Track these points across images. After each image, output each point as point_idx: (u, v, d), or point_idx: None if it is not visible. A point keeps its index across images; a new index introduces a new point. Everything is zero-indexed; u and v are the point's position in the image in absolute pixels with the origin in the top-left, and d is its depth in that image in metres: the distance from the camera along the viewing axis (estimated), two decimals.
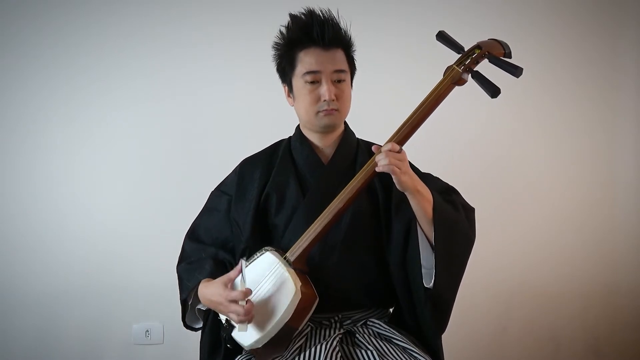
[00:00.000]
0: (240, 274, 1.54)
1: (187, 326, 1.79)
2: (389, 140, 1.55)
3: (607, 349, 3.02)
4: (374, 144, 1.78)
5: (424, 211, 1.55)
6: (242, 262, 1.56)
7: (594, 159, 3.01)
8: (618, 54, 3.02)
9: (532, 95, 2.94)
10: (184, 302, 1.72)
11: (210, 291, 1.58)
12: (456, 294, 1.66)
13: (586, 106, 3.00)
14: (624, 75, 3.02)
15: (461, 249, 1.64)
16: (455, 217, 1.62)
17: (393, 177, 1.52)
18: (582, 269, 2.99)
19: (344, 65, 1.68)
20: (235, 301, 1.50)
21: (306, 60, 1.65)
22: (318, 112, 1.66)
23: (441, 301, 1.62)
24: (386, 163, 1.49)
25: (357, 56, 1.75)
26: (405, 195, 1.58)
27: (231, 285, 1.55)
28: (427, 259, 1.58)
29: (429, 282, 1.58)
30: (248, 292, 1.51)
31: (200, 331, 1.80)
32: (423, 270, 1.59)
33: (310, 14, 1.66)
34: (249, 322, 1.52)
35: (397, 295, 1.69)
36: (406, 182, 1.52)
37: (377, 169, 1.52)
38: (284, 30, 1.70)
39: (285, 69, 1.70)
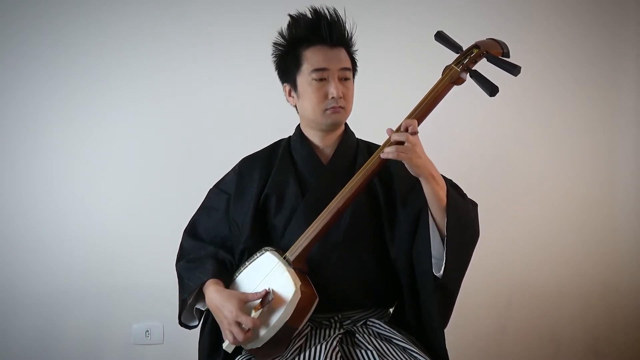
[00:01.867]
0: (260, 301, 1.53)
1: (183, 324, 1.78)
2: (386, 143, 1.55)
3: (607, 349, 3.01)
4: (373, 144, 1.79)
5: (437, 198, 1.54)
6: (269, 293, 1.54)
7: (593, 159, 3.01)
8: (618, 54, 3.02)
9: (532, 95, 2.94)
10: (183, 302, 1.72)
11: (221, 301, 1.56)
12: (460, 287, 1.65)
13: (586, 106, 3.00)
14: (624, 75, 3.02)
15: (469, 241, 1.64)
16: (465, 208, 1.62)
17: (405, 163, 1.50)
18: (582, 269, 2.99)
19: (349, 64, 1.70)
20: (239, 324, 1.50)
21: (313, 58, 1.66)
22: (325, 109, 1.66)
23: (448, 292, 1.61)
24: (392, 150, 1.48)
25: (359, 57, 1.76)
26: (413, 187, 1.59)
27: (245, 306, 1.54)
28: (436, 248, 1.58)
29: (438, 272, 1.57)
30: (256, 323, 1.50)
31: (198, 330, 1.79)
32: (433, 260, 1.58)
33: (316, 12, 1.67)
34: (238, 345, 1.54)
35: (402, 288, 1.68)
36: (420, 166, 1.50)
37: (381, 155, 1.51)
38: (284, 30, 1.71)
39: (290, 67, 1.70)
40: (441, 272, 1.56)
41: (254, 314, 1.51)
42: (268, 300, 1.53)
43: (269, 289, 1.54)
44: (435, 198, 1.54)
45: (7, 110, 2.72)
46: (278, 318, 1.50)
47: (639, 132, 3.04)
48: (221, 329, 1.57)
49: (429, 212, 1.58)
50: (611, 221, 3.03)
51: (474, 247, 1.66)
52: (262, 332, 1.52)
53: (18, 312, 2.73)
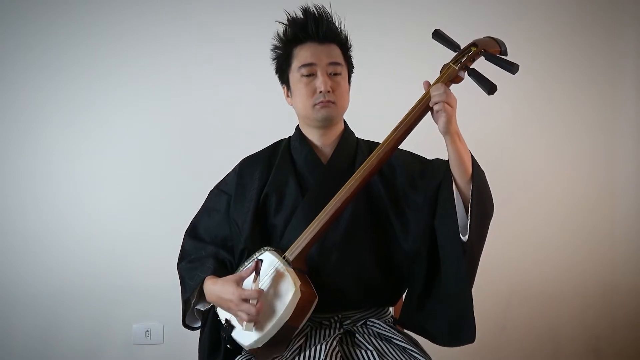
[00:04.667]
0: (253, 274, 1.54)
1: (186, 325, 1.78)
2: (386, 140, 1.56)
3: (607, 348, 3.01)
4: (374, 142, 1.79)
5: (462, 159, 1.53)
6: (259, 261, 1.55)
7: (593, 159, 3.01)
8: (617, 54, 3.02)
9: (531, 96, 2.94)
10: (186, 302, 1.72)
11: (219, 288, 1.57)
12: (479, 257, 1.62)
13: (586, 106, 3.00)
14: (624, 75, 3.02)
15: (489, 208, 1.62)
16: (485, 176, 1.62)
17: (440, 118, 1.49)
18: (582, 268, 2.99)
19: (340, 59, 1.70)
20: (246, 300, 1.50)
21: (301, 54, 1.68)
22: (315, 104, 1.67)
23: (472, 259, 1.59)
24: (443, 99, 1.48)
25: (357, 56, 1.76)
26: (422, 173, 1.65)
27: (242, 284, 1.55)
28: (460, 214, 1.56)
29: (463, 236, 1.56)
30: (261, 292, 1.50)
31: (197, 330, 1.79)
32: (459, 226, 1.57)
33: (305, 11, 1.69)
34: (256, 322, 1.52)
35: (423, 259, 1.65)
36: (453, 124, 1.51)
37: (430, 103, 1.50)
38: (281, 33, 1.73)
39: (282, 66, 1.72)
40: (467, 236, 1.54)
41: (254, 286, 1.52)
42: (260, 267, 1.54)
43: (255, 258, 1.56)
44: (459, 157, 1.53)
45: (7, 110, 2.73)
46: (278, 318, 1.50)
47: (639, 132, 3.04)
48: (233, 315, 1.57)
49: (452, 178, 1.57)
50: (611, 221, 3.03)
51: (490, 220, 1.63)
52: (263, 331, 1.52)
53: (18, 312, 2.73)
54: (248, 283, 1.55)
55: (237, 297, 1.51)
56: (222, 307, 1.60)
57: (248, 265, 1.58)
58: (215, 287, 1.58)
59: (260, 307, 1.49)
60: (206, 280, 1.63)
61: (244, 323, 1.52)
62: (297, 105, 1.71)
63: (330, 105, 1.67)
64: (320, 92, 1.65)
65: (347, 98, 1.73)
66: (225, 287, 1.54)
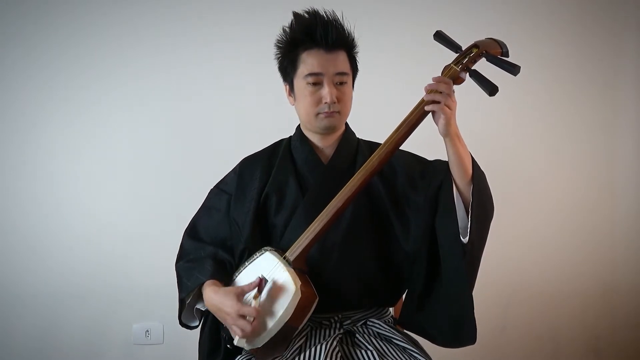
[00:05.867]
0: (256, 290, 1.53)
1: (183, 324, 1.77)
2: (387, 140, 1.56)
3: (607, 348, 3.02)
4: (375, 143, 1.79)
5: (462, 160, 1.53)
6: (263, 280, 1.54)
7: (593, 159, 3.01)
8: (618, 54, 3.02)
9: (531, 96, 2.94)
10: (181, 302, 1.72)
11: (219, 299, 1.55)
12: (480, 258, 1.62)
13: (586, 106, 3.00)
14: (624, 75, 3.03)
15: (489, 209, 1.62)
16: (485, 177, 1.62)
17: (439, 120, 1.49)
18: (582, 268, 3.00)
19: (346, 68, 1.68)
20: (244, 316, 1.49)
21: (308, 62, 1.65)
22: (318, 113, 1.66)
23: (473, 261, 1.59)
24: (442, 100, 1.47)
25: (359, 57, 1.75)
26: (422, 174, 1.64)
27: (242, 298, 1.53)
28: (460, 216, 1.56)
29: (464, 238, 1.56)
30: (259, 311, 1.50)
31: (197, 330, 1.79)
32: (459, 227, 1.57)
33: (315, 14, 1.66)
34: (248, 339, 1.52)
35: (423, 259, 1.65)
36: (452, 126, 1.50)
37: (425, 108, 1.50)
38: (287, 28, 1.70)
39: (287, 68, 1.70)
40: (467, 238, 1.54)
41: (254, 303, 1.51)
42: (263, 286, 1.52)
43: (261, 276, 1.54)
44: (459, 159, 1.53)
45: (7, 110, 2.73)
46: (278, 318, 1.50)
47: (639, 132, 3.04)
48: (227, 327, 1.56)
49: (452, 179, 1.57)
50: (611, 221, 3.03)
51: (490, 224, 1.63)
52: (263, 331, 1.52)
53: (18, 312, 2.73)
54: (248, 297, 1.54)
55: (235, 311, 1.50)
56: (219, 317, 1.59)
57: (252, 281, 1.56)
58: (215, 297, 1.57)
59: (256, 325, 1.49)
60: (207, 286, 1.61)
61: (236, 337, 1.52)
62: (300, 111, 1.71)
63: (334, 116, 1.66)
64: (326, 102, 1.64)
65: (350, 104, 1.72)
66: (225, 300, 1.53)
